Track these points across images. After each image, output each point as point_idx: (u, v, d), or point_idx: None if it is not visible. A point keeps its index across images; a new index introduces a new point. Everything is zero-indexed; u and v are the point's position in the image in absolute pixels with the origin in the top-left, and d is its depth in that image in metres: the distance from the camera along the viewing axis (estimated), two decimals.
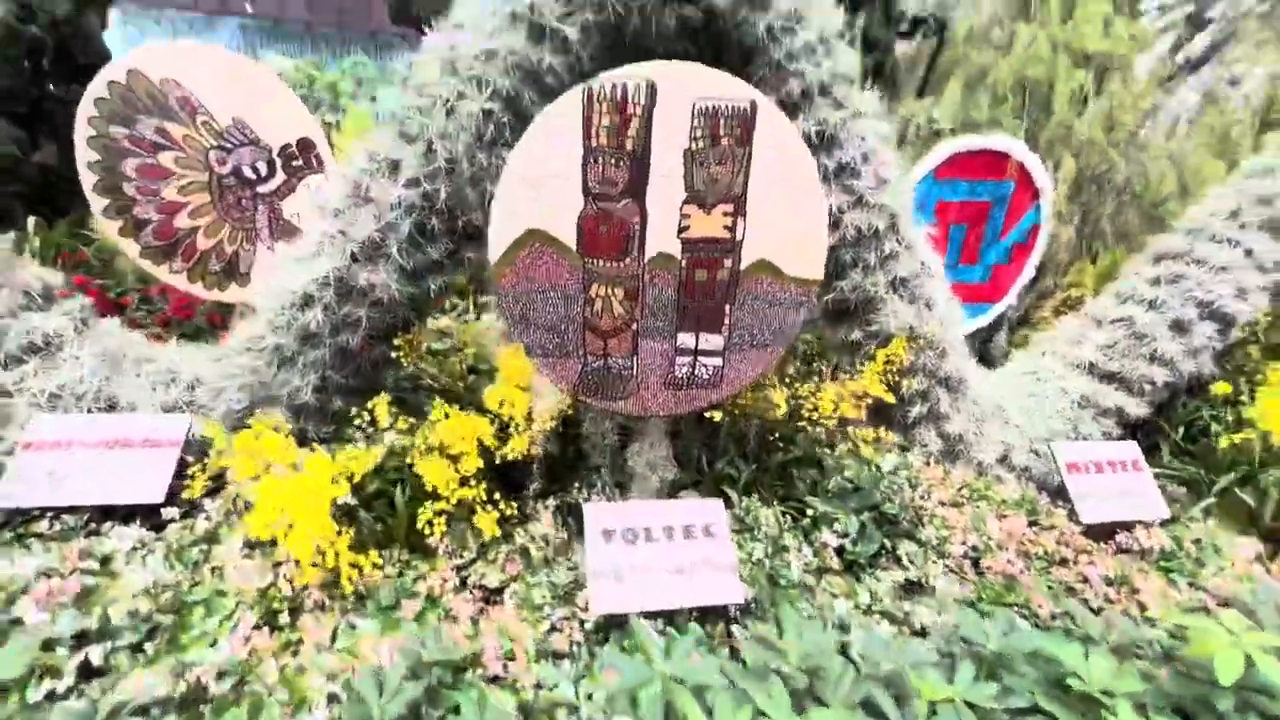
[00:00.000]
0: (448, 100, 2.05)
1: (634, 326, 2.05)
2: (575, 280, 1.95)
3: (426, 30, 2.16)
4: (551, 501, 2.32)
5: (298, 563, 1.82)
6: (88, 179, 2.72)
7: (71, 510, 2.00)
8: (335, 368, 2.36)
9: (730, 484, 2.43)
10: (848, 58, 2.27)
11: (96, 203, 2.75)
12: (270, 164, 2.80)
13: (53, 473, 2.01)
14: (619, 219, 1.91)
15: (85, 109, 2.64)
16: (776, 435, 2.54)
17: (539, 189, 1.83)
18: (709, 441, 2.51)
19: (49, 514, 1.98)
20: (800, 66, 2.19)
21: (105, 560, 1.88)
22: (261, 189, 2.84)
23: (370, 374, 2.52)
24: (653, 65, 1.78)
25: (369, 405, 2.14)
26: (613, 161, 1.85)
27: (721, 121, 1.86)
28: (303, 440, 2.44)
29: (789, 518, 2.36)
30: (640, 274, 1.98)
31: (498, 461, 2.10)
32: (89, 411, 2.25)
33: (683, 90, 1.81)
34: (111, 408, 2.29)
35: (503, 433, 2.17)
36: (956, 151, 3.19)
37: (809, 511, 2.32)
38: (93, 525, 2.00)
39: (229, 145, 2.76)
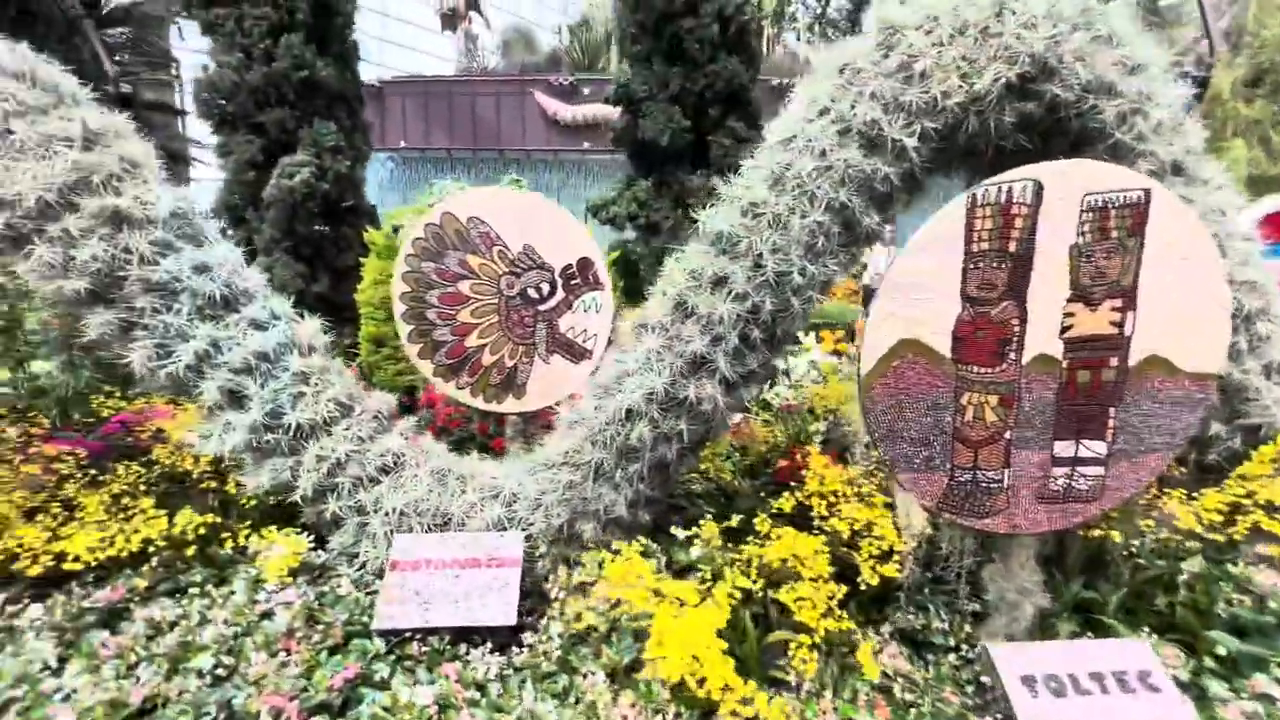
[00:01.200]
0: (779, 216, 2.09)
1: (1007, 435, 1.87)
2: (947, 389, 1.83)
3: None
4: (886, 629, 2.10)
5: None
6: (399, 308, 3.06)
7: (433, 631, 2.05)
8: (648, 481, 2.35)
9: (1097, 610, 2.08)
10: (1196, 132, 2.10)
11: (404, 328, 3.07)
12: (552, 284, 3.03)
13: (419, 593, 2.09)
14: (997, 322, 1.79)
15: (405, 249, 3.00)
16: (1132, 550, 2.19)
17: (916, 297, 1.77)
18: (1058, 561, 2.20)
19: (416, 635, 2.04)
20: (1150, 147, 2.04)
21: (480, 687, 1.88)
22: (542, 307, 3.06)
23: (664, 486, 2.49)
24: (1040, 166, 1.71)
25: (697, 526, 2.08)
26: (994, 264, 1.75)
27: (1112, 213, 1.73)
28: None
29: (1183, 656, 1.96)
30: (1017, 379, 1.82)
31: (861, 587, 1.94)
32: (427, 529, 2.38)
33: (1071, 186, 1.71)
34: (445, 524, 2.41)
35: (845, 551, 2.02)
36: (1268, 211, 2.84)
37: (1219, 649, 1.91)
38: (454, 647, 2.03)
39: (519, 270, 3.02)
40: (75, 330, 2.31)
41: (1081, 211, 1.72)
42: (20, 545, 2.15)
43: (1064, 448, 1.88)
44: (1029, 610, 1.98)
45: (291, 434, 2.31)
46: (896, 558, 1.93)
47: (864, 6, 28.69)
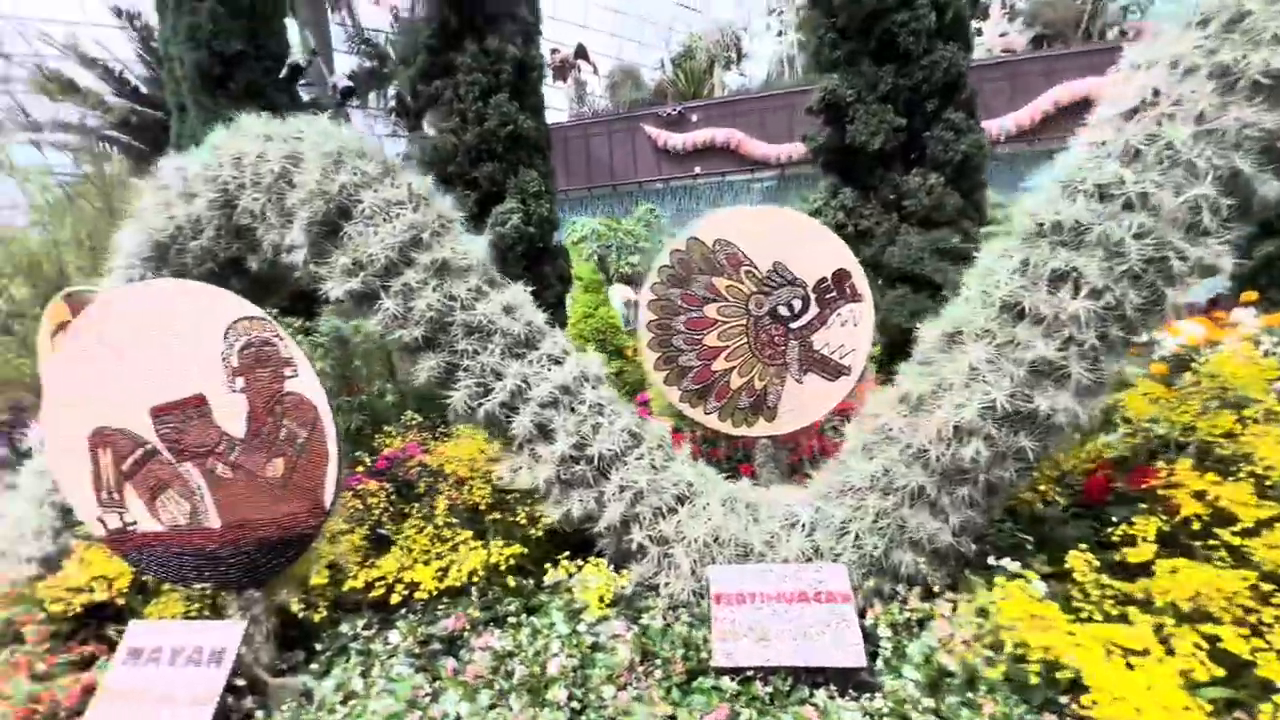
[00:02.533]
0: (1146, 195, 1.82)
1: None
2: None
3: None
4: None
5: None
6: (644, 335, 3.09)
7: (773, 670, 1.94)
8: (979, 506, 2.11)
9: None
10: None
11: (650, 355, 3.09)
12: (805, 300, 2.92)
13: (752, 628, 2.00)
14: None
15: (651, 278, 3.03)
16: None
17: None
18: None
19: (758, 675, 1.93)
20: None
21: None
22: (794, 325, 2.95)
23: (992, 511, 2.23)
24: None
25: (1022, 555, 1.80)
26: None
27: None
28: (930, 592, 2.21)
29: None
30: None
31: None
32: (728, 560, 2.30)
33: None
34: (746, 554, 2.32)
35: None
36: None
37: None
38: (797, 689, 1.90)
39: (769, 288, 2.94)
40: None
41: None
42: (380, 576, 2.36)
43: None
44: None
45: (595, 464, 2.35)
46: None
47: None
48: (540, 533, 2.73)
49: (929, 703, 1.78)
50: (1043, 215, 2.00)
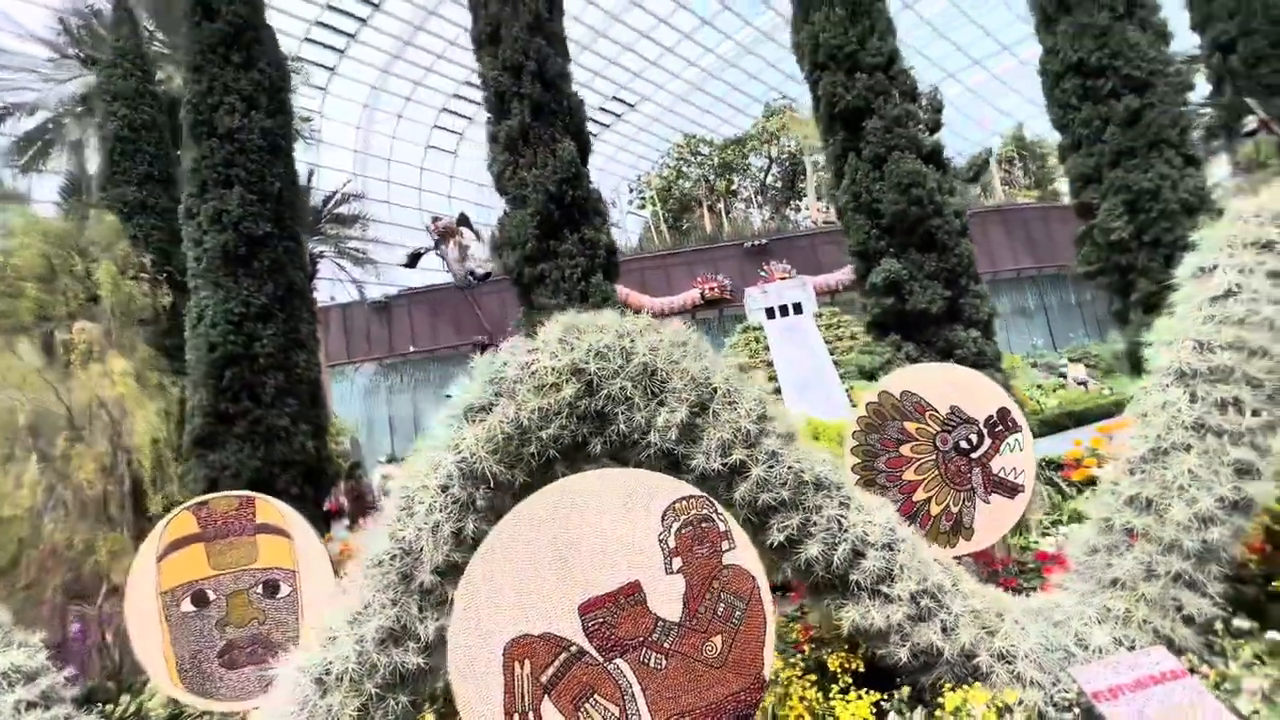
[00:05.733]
0: (1262, 348, 2.84)
1: None
2: None
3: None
4: None
5: None
6: (850, 478, 3.53)
7: None
8: (1217, 577, 2.77)
9: None
10: None
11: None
12: (979, 434, 3.61)
13: (1141, 713, 2.35)
14: None
15: (851, 427, 3.56)
16: None
17: None
18: None
19: None
20: None
21: None
22: (973, 455, 3.60)
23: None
24: None
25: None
26: None
27: None
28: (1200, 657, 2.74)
29: None
30: None
31: None
32: (1056, 666, 2.65)
33: None
34: (1068, 657, 2.69)
35: None
36: None
37: None
38: None
39: (950, 426, 3.60)
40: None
41: None
42: None
43: None
44: None
45: (935, 597, 2.65)
46: None
47: (799, 176, 34.11)
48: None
49: None
50: (1182, 362, 2.96)
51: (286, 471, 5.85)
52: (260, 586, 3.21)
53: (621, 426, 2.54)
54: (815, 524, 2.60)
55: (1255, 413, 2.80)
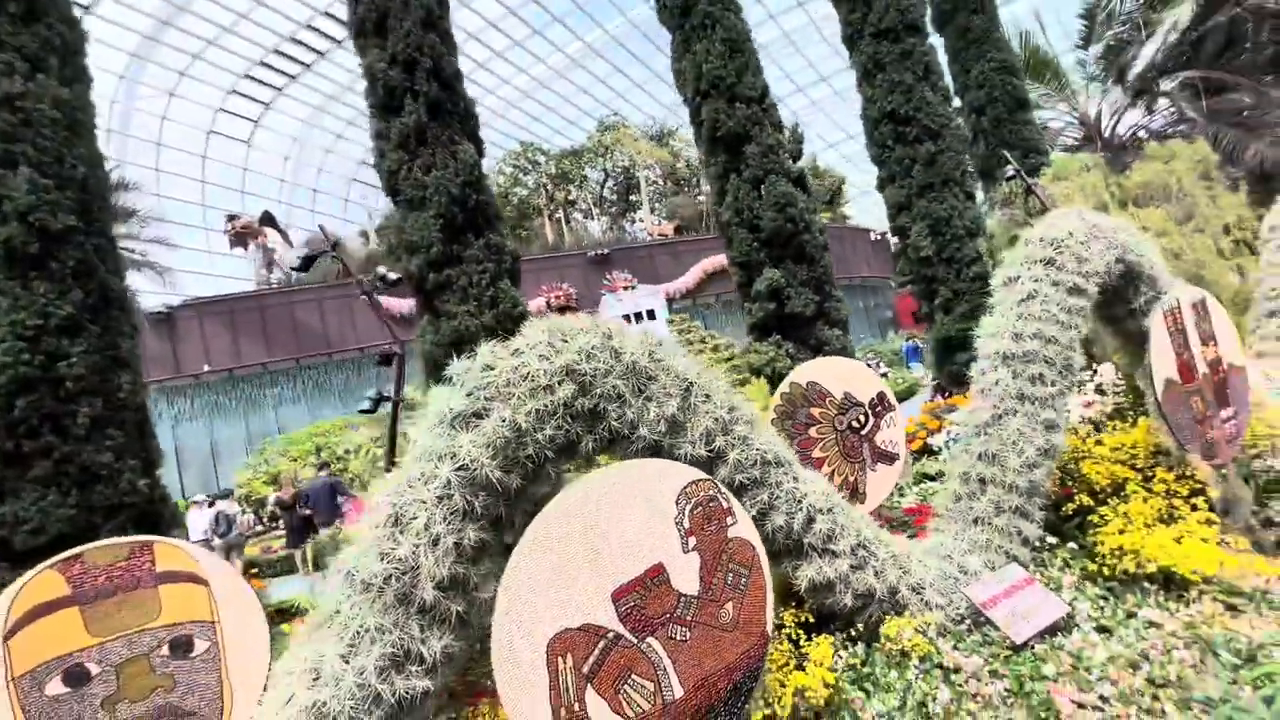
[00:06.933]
0: (1051, 336, 3.88)
1: None
2: None
3: None
4: None
5: None
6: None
7: (1049, 630, 3.05)
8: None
9: None
10: None
11: None
12: (866, 415, 4.30)
13: (1014, 613, 3.09)
14: None
15: (768, 415, 4.05)
16: None
17: None
18: None
19: (1033, 639, 3.01)
20: None
21: None
22: (863, 432, 4.29)
23: None
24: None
25: None
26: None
27: None
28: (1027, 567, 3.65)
29: None
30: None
31: None
32: (951, 590, 3.34)
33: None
34: (955, 581, 3.39)
35: None
36: None
37: None
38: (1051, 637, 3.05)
39: (844, 409, 4.25)
40: None
41: None
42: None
43: None
44: None
45: (867, 549, 3.17)
46: None
47: (633, 190, 35.82)
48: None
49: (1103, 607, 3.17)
50: (1004, 348, 3.93)
51: (113, 518, 4.78)
52: (165, 647, 2.68)
53: (613, 423, 2.66)
54: (778, 497, 2.98)
55: (1052, 383, 3.82)
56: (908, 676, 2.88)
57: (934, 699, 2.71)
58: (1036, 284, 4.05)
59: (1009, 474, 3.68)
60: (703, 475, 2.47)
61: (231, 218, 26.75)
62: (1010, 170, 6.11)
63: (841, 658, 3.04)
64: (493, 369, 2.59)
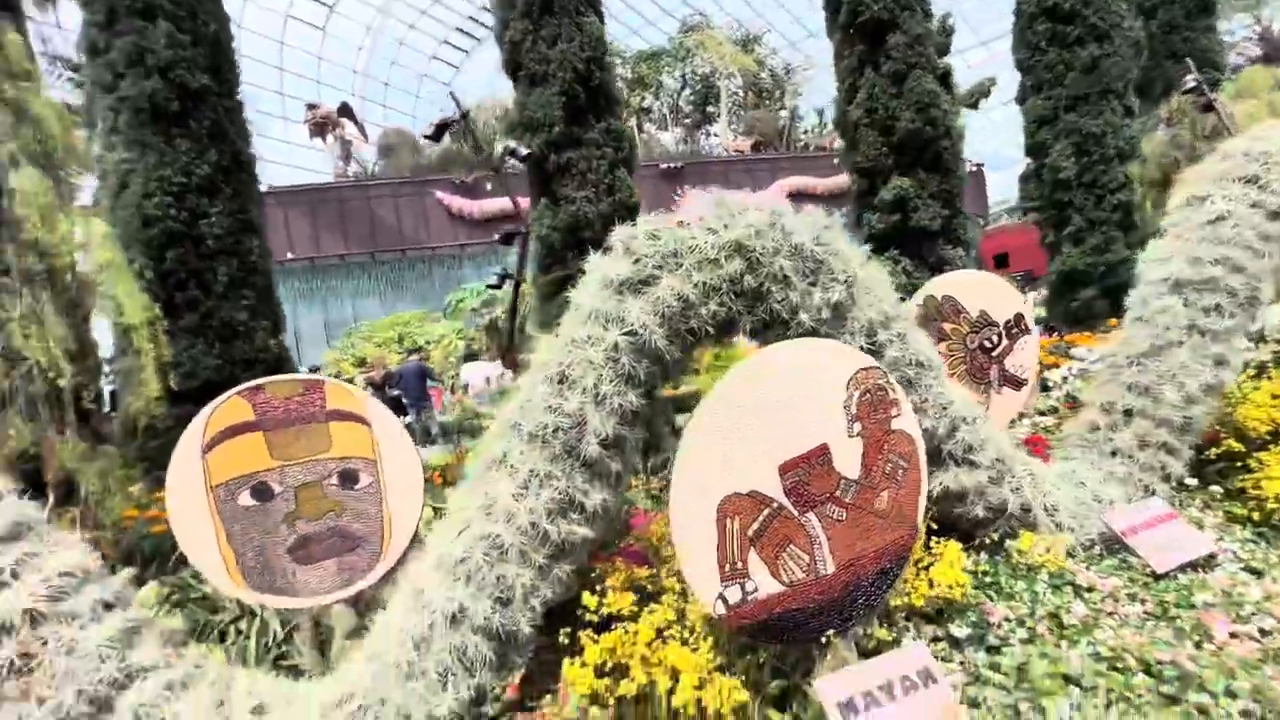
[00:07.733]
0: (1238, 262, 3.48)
1: None
2: None
3: None
4: None
5: None
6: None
7: (1191, 564, 2.95)
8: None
9: None
10: None
11: None
12: (999, 335, 4.08)
13: (1157, 544, 2.98)
14: None
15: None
16: None
17: None
18: None
19: (1178, 569, 2.92)
20: None
21: None
22: (994, 353, 4.08)
23: None
24: None
25: None
26: None
27: None
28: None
29: None
30: None
31: None
32: (1088, 513, 3.24)
33: None
34: (1095, 504, 3.29)
35: None
36: None
37: None
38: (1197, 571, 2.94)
39: (978, 328, 4.03)
40: None
41: None
42: None
43: None
44: None
45: (1004, 463, 3.08)
46: None
47: (711, 100, 33.76)
48: None
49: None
50: (1171, 272, 3.56)
51: (249, 372, 5.19)
52: (335, 477, 2.93)
53: (774, 304, 2.59)
54: (927, 401, 2.88)
55: (1231, 315, 3.47)
56: (1035, 589, 2.85)
57: (1067, 611, 2.69)
58: (1231, 204, 3.60)
59: (1163, 408, 3.44)
60: (874, 363, 2.39)
61: (311, 106, 26.93)
62: (1191, 80, 5.29)
63: (965, 565, 3.02)
64: (658, 238, 2.53)
